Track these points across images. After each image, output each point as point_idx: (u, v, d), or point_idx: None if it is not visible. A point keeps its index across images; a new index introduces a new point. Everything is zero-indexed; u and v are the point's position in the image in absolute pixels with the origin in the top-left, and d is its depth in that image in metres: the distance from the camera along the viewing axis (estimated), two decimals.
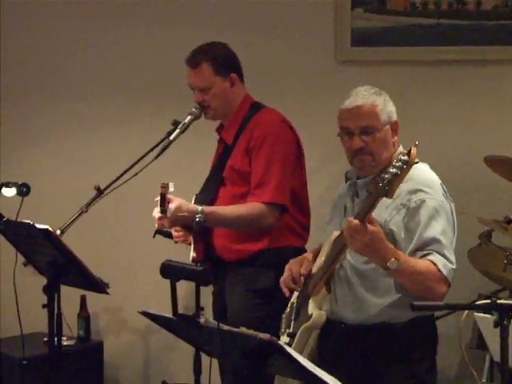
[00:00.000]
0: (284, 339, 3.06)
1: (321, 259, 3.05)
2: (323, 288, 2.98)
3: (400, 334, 2.93)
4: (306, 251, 3.76)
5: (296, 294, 3.15)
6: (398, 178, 2.60)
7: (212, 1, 4.74)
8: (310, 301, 2.99)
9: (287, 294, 3.16)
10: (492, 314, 2.60)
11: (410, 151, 2.61)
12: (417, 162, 2.95)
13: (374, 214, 2.75)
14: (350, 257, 2.96)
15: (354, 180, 3.08)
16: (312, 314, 2.95)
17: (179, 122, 3.68)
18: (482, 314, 2.88)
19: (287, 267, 3.18)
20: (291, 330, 3.05)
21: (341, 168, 4.74)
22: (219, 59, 3.66)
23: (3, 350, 4.43)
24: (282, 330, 3.14)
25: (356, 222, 2.70)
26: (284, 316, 3.17)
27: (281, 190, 3.59)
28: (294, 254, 3.67)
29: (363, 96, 2.99)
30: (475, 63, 4.57)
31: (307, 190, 3.78)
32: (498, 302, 2.45)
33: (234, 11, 4.71)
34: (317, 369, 2.37)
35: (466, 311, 2.70)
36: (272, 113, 3.72)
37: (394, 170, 2.60)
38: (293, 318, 3.09)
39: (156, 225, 3.56)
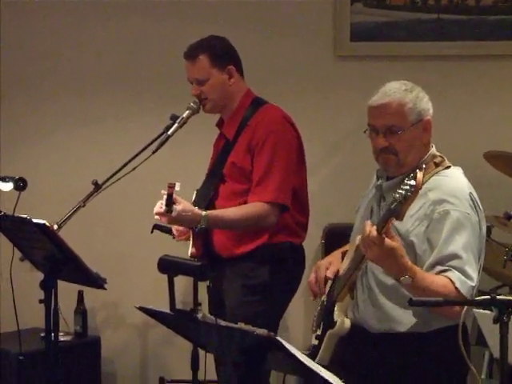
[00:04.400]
0: (313, 341, 3.03)
1: (346, 262, 3.00)
2: (348, 294, 2.95)
3: (423, 343, 2.84)
4: (303, 249, 3.75)
5: (326, 293, 3.10)
6: (406, 202, 2.54)
7: None
8: (336, 306, 2.95)
9: (312, 297, 3.11)
10: (491, 310, 2.59)
11: (416, 176, 2.54)
12: (449, 167, 2.92)
13: (397, 223, 2.68)
14: (372, 264, 2.86)
15: (380, 182, 2.97)
16: (337, 321, 2.91)
17: (177, 117, 3.66)
18: (481, 311, 2.86)
19: (313, 269, 3.11)
20: (320, 333, 3.01)
21: (340, 163, 4.76)
22: (216, 51, 3.65)
23: (0, 345, 4.42)
24: (314, 328, 3.08)
25: (374, 232, 2.62)
26: (316, 314, 3.11)
27: (283, 190, 3.58)
28: (290, 250, 3.68)
29: (391, 93, 2.85)
30: (475, 58, 4.56)
31: (307, 188, 3.77)
32: (498, 297, 2.43)
33: (232, 7, 4.70)
34: (315, 365, 2.36)
35: (465, 307, 2.67)
36: (274, 110, 3.70)
37: (402, 193, 2.53)
38: (322, 319, 3.04)
39: (156, 216, 3.52)
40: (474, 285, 2.77)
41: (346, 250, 3.09)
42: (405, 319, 2.84)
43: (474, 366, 2.72)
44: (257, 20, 4.70)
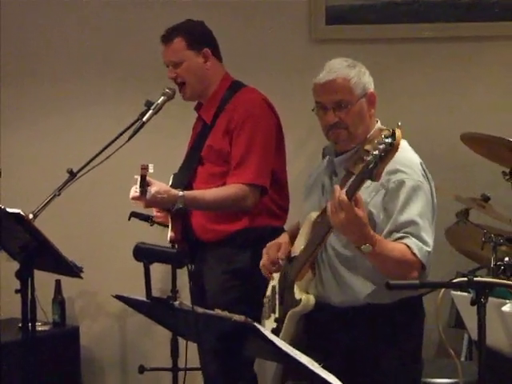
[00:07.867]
0: (271, 324, 3.02)
1: (300, 241, 3.01)
2: (308, 272, 2.94)
3: (388, 314, 2.90)
4: (284, 231, 3.74)
5: (277, 277, 3.11)
6: (384, 161, 2.56)
7: None
8: (296, 286, 2.95)
9: (270, 278, 3.12)
10: (469, 292, 2.59)
11: (394, 133, 2.55)
12: None
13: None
14: (332, 239, 2.91)
15: (332, 157, 3.03)
16: (300, 299, 2.91)
17: (152, 103, 3.67)
18: (458, 293, 2.87)
19: (264, 251, 3.14)
20: (278, 315, 3.01)
21: (318, 147, 4.72)
22: (192, 34, 3.66)
23: None
24: (266, 314, 3.10)
25: (344, 197, 2.65)
26: (266, 300, 3.13)
27: (262, 172, 3.58)
28: (271, 234, 3.65)
29: (336, 69, 2.96)
30: (452, 40, 4.55)
31: (286, 172, 3.77)
32: (475, 279, 2.44)
33: None
34: (292, 350, 2.35)
35: (443, 289, 2.67)
36: (253, 93, 3.71)
37: (377, 153, 2.55)
38: (277, 302, 3.05)
39: (132, 201, 3.51)
40: (430, 250, 2.83)
41: (293, 234, 3.11)
42: (367, 290, 2.89)
43: (453, 348, 2.73)
44: (232, 4, 4.67)
